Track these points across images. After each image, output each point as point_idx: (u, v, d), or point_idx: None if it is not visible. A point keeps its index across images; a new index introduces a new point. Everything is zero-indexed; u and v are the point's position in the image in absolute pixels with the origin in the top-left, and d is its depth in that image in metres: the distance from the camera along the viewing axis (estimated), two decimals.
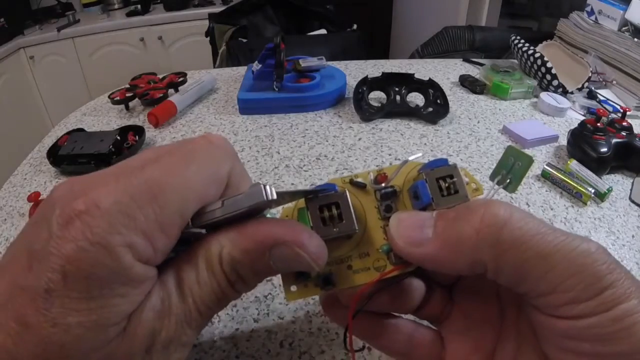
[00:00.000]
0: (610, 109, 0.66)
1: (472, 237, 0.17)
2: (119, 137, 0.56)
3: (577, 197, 0.47)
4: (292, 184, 0.50)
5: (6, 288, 0.15)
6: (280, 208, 0.22)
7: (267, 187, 0.17)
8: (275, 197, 0.17)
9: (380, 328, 0.23)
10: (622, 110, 0.59)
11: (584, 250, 0.16)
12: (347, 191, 0.20)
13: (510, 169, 0.21)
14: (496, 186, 0.21)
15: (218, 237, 0.18)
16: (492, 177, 0.22)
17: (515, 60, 0.83)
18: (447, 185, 0.20)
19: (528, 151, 0.57)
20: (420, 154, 0.22)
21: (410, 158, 0.21)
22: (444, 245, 0.18)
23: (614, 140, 0.51)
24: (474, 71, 0.83)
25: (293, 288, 0.20)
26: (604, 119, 0.56)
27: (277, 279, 0.36)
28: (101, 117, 0.69)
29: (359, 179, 0.21)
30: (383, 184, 0.21)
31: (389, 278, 0.20)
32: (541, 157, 0.56)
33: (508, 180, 0.21)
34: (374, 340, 0.23)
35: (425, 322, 0.24)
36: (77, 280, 0.15)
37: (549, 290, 0.16)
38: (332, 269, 0.20)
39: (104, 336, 0.15)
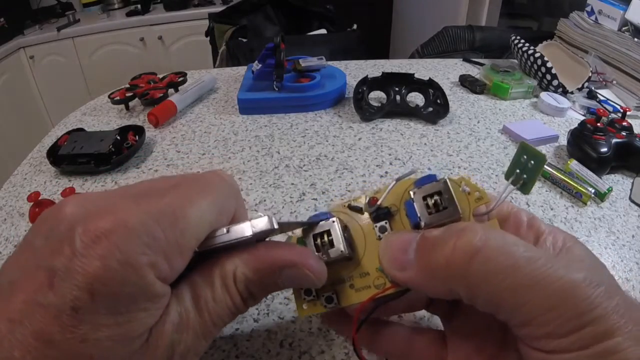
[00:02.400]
0: (610, 109, 0.66)
1: (442, 266, 0.17)
2: (119, 137, 0.56)
3: (577, 197, 0.47)
4: (292, 184, 0.50)
5: (21, 305, 0.15)
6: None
7: (271, 218, 0.19)
8: (277, 226, 0.19)
9: (378, 333, 0.23)
10: (622, 110, 0.59)
11: (568, 281, 0.15)
12: (336, 219, 0.22)
13: (524, 167, 0.20)
14: (510, 186, 0.21)
15: (232, 258, 0.20)
16: (507, 177, 0.21)
17: (515, 60, 0.83)
18: (434, 202, 0.20)
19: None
20: (410, 172, 0.22)
21: (404, 177, 0.21)
22: (421, 271, 0.18)
23: (614, 140, 0.51)
24: (474, 71, 0.83)
25: (305, 306, 0.22)
26: (604, 119, 0.56)
27: None
28: (101, 117, 0.68)
29: (356, 203, 0.22)
30: (377, 204, 0.21)
31: (386, 295, 0.21)
32: None
33: (522, 181, 0.20)
34: (374, 345, 0.23)
35: (425, 324, 0.24)
36: (106, 297, 0.15)
37: (524, 322, 0.16)
38: (337, 289, 0.22)
39: (130, 347, 0.16)
